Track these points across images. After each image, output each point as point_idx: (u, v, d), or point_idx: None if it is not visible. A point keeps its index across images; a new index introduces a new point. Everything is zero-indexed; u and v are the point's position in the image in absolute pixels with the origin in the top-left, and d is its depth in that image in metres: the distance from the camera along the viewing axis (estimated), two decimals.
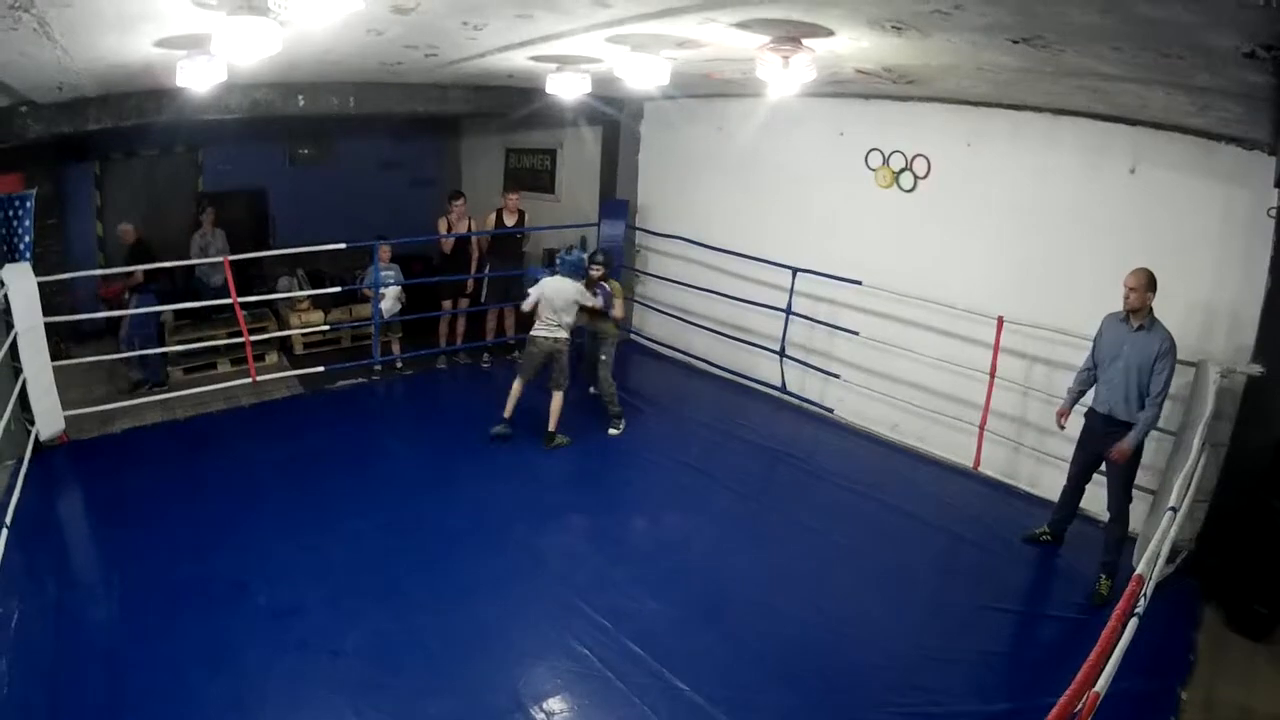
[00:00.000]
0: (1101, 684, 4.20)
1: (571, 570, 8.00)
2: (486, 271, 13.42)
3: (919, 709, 6.29)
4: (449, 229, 13.12)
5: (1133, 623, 4.83)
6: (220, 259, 12.12)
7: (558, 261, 10.62)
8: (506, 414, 10.70)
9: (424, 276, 13.45)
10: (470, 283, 13.45)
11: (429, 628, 7.01)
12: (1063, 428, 8.16)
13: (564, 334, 10.42)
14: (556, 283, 10.38)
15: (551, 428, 10.69)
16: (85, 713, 5.89)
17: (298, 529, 8.46)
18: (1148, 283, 7.28)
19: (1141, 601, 5.07)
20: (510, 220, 13.21)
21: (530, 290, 10.67)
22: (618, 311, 10.93)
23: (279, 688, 6.23)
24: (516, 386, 10.69)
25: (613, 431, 11.18)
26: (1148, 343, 7.35)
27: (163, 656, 6.44)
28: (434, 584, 7.66)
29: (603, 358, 11.05)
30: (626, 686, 6.39)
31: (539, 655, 6.75)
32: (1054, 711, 3.75)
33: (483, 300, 13.59)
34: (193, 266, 13.33)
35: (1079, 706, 4.00)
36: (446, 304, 13.45)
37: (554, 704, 6.25)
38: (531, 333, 10.57)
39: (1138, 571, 5.24)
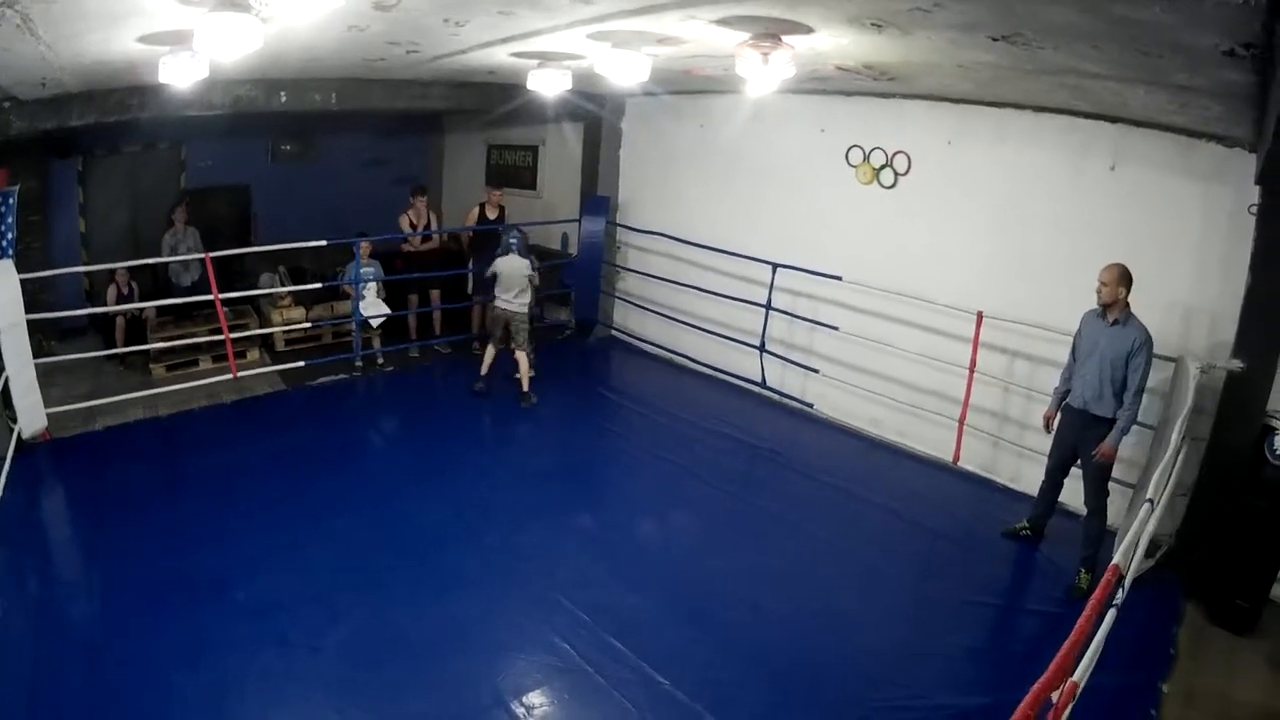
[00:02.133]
0: (1080, 674, 4.21)
1: (552, 566, 7.98)
2: (470, 267, 13.58)
3: (899, 703, 6.31)
4: (412, 225, 13.30)
5: (1111, 614, 4.84)
6: (191, 258, 12.21)
7: (512, 243, 11.55)
8: (483, 372, 12.02)
9: (405, 273, 13.44)
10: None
11: (410, 624, 7.01)
12: (1050, 431, 8.20)
13: (518, 307, 11.53)
14: (509, 262, 11.44)
15: (525, 388, 11.83)
16: (65, 709, 5.87)
17: (279, 525, 8.44)
18: (1119, 277, 7.33)
19: (1120, 592, 5.08)
20: (492, 215, 13.34)
21: (490, 269, 11.60)
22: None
23: (259, 684, 6.21)
24: (489, 351, 12.01)
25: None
26: (1123, 338, 7.39)
27: (143, 653, 6.42)
28: (415, 580, 7.66)
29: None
30: (607, 681, 6.40)
31: (520, 650, 6.75)
32: (1027, 699, 3.74)
33: (470, 293, 13.65)
34: (166, 265, 13.31)
35: (1056, 696, 4.01)
36: (413, 299, 13.63)
37: (534, 699, 6.25)
38: (495, 303, 11.72)
39: (1114, 561, 5.26)
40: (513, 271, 11.38)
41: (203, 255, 11.73)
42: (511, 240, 11.53)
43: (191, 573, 7.52)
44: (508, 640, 6.88)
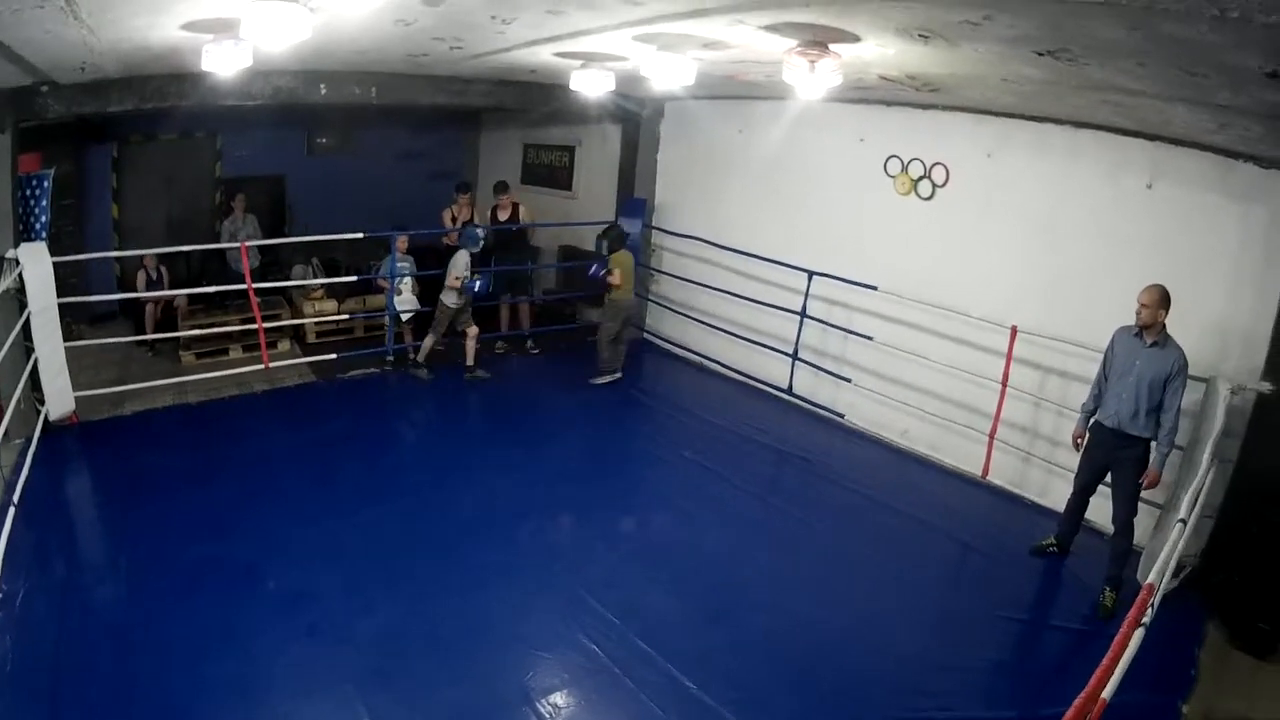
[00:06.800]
0: (1109, 691, 4.22)
1: (581, 564, 8.00)
2: (492, 266, 13.50)
3: (925, 714, 6.31)
4: (454, 221, 13.38)
5: (1139, 633, 4.84)
6: (229, 246, 12.43)
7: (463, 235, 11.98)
8: (421, 359, 12.56)
9: (439, 268, 13.43)
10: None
11: (438, 617, 7.03)
12: (1079, 449, 8.17)
13: (452, 297, 12.10)
14: (456, 258, 12.09)
15: (470, 363, 12.53)
16: (90, 693, 5.90)
17: (308, 515, 8.48)
18: (1160, 299, 7.28)
19: (1149, 612, 5.08)
20: (503, 216, 13.54)
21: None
22: (614, 279, 12.30)
23: (286, 673, 6.24)
24: (429, 340, 12.51)
25: (593, 381, 12.82)
26: (1161, 359, 7.35)
27: (169, 639, 6.46)
28: (444, 574, 7.68)
29: (609, 323, 12.64)
30: (634, 683, 6.40)
31: (548, 649, 6.76)
32: (1069, 714, 3.79)
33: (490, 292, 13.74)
34: (221, 252, 13.47)
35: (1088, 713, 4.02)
36: None
37: (561, 698, 6.25)
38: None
39: (1149, 580, 5.25)
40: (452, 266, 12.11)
41: (238, 245, 11.85)
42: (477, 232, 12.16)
43: (220, 560, 7.57)
44: (536, 638, 6.89)
